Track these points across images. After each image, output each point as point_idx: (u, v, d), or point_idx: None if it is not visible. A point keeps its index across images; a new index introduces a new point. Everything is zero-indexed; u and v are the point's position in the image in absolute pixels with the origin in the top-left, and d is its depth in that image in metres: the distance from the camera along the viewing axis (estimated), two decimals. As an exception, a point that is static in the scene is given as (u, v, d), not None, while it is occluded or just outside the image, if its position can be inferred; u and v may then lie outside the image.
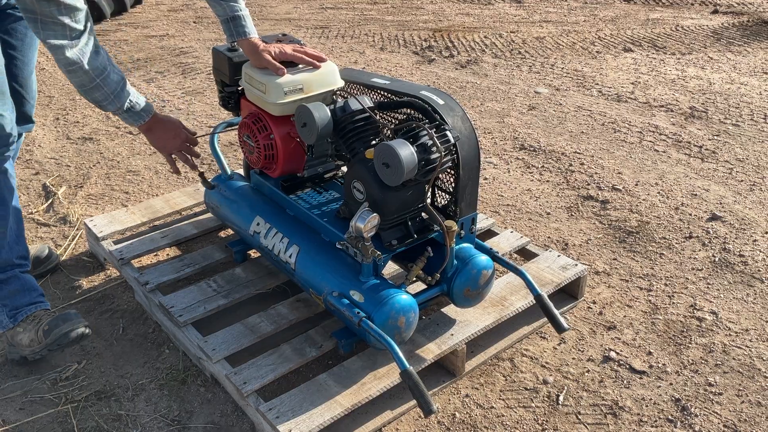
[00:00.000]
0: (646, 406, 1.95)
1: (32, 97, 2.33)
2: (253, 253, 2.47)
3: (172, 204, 2.72)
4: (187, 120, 3.84)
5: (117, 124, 3.81)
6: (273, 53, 2.06)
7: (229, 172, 2.46)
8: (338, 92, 2.17)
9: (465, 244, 2.06)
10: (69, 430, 1.90)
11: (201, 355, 2.02)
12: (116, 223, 2.59)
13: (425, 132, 1.82)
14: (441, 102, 1.96)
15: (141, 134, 3.66)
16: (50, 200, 2.96)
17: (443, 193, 2.04)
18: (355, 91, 2.17)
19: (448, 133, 1.86)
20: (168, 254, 2.60)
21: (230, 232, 2.67)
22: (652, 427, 1.88)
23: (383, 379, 1.89)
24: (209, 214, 2.66)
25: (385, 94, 2.08)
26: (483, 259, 2.01)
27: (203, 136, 2.60)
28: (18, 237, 2.13)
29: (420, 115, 1.96)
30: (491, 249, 2.12)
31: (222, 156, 2.47)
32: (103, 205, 2.99)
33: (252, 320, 2.10)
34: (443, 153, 1.82)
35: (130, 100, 2.01)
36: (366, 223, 1.81)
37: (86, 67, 1.87)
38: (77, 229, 2.79)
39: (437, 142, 1.80)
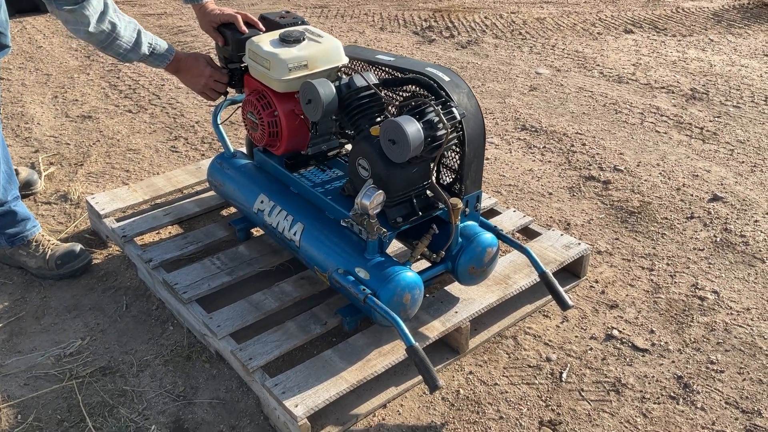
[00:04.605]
0: (649, 383, 1.97)
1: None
2: (256, 232, 2.47)
3: (173, 182, 2.72)
4: (187, 99, 3.82)
5: (116, 102, 3.79)
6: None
7: (232, 150, 2.45)
8: (342, 69, 2.15)
9: (470, 222, 2.06)
10: (74, 406, 1.91)
11: (206, 331, 2.02)
12: (118, 200, 2.58)
13: (431, 108, 1.82)
14: (446, 79, 1.95)
15: (140, 112, 3.64)
16: (42, 178, 2.96)
17: (448, 171, 2.04)
18: (360, 69, 2.16)
19: (454, 109, 1.85)
20: (170, 232, 2.60)
21: (232, 210, 2.66)
22: (654, 403, 1.90)
23: (388, 355, 1.89)
24: (211, 192, 2.65)
25: (390, 71, 2.07)
26: (488, 236, 2.02)
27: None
28: (9, 177, 2.33)
29: (425, 92, 1.95)
30: (496, 227, 2.12)
31: (225, 134, 2.46)
32: (103, 183, 2.98)
33: (256, 297, 2.11)
34: (449, 130, 1.81)
35: (149, 44, 2.14)
36: (371, 200, 1.81)
37: (97, 28, 2.00)
38: (78, 208, 2.78)
39: (443, 118, 1.80)
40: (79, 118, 3.60)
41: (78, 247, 2.40)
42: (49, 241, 2.40)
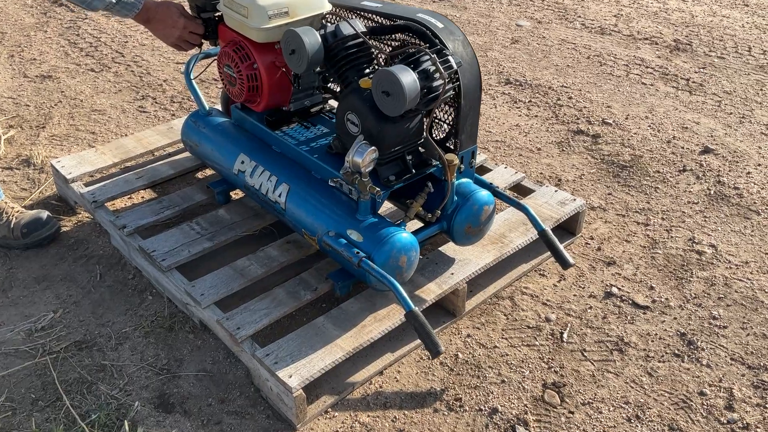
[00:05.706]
0: (652, 341, 1.91)
1: None
2: (236, 195, 2.33)
3: (144, 143, 2.55)
4: (153, 56, 3.62)
5: (77, 60, 3.57)
6: None
7: (207, 108, 2.29)
8: (326, 17, 2.01)
9: (464, 180, 1.95)
10: (49, 383, 1.78)
11: (188, 300, 1.90)
12: (86, 164, 2.42)
13: (427, 57, 1.69)
14: (440, 25, 1.83)
15: (103, 71, 3.44)
16: (1, 142, 2.77)
17: (442, 125, 1.92)
18: (345, 16, 2.01)
19: (450, 58, 1.73)
20: (143, 197, 2.45)
21: (209, 172, 2.52)
22: (659, 362, 1.84)
23: (384, 320, 1.80)
24: (185, 154, 2.50)
25: (378, 18, 1.93)
26: (484, 194, 1.92)
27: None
28: None
29: (418, 40, 1.82)
30: (491, 184, 2.02)
31: (198, 90, 2.30)
32: (68, 146, 2.80)
33: (240, 263, 1.99)
34: (446, 80, 1.69)
35: None
36: (364, 157, 1.69)
37: None
38: (42, 172, 2.61)
39: (440, 68, 1.67)
40: (38, 78, 3.39)
41: (45, 214, 2.24)
42: (13, 208, 2.24)
